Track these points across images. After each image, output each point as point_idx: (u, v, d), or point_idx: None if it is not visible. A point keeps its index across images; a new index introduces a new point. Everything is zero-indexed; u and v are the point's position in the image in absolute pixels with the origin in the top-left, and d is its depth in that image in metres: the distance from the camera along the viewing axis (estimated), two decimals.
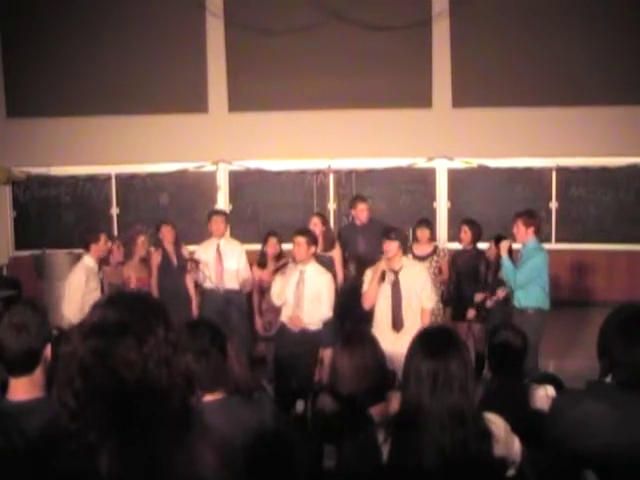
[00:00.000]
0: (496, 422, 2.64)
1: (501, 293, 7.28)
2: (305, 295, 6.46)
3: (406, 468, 2.47)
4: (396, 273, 6.15)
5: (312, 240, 6.56)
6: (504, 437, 2.64)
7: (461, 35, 11.43)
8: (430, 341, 2.63)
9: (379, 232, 7.66)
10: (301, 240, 6.47)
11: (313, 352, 6.58)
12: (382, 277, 6.14)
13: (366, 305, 6.29)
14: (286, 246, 7.52)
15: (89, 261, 6.98)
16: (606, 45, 11.08)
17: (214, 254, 7.84)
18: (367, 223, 8.25)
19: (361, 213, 8.31)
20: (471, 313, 7.46)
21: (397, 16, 11.35)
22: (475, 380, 2.68)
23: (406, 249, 6.42)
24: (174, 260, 8.00)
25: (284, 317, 6.59)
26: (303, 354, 6.38)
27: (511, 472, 2.70)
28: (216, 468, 1.63)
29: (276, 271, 7.48)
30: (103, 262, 7.22)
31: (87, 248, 7.02)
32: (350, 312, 7.46)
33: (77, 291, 6.71)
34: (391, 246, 6.11)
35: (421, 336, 2.71)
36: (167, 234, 8.01)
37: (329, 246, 7.87)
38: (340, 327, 6.91)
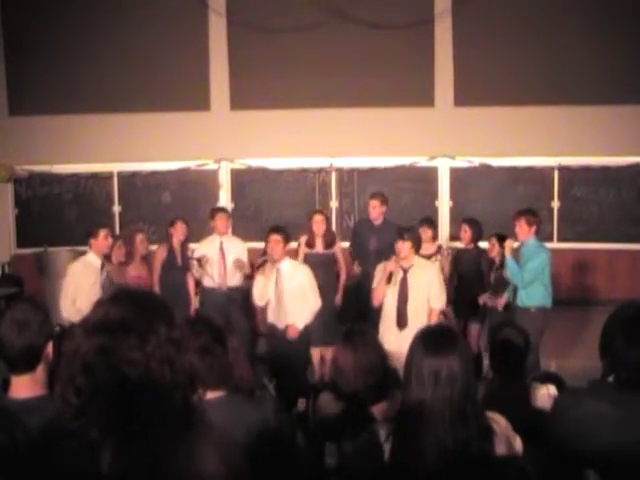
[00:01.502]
0: (498, 421, 2.64)
1: (502, 300, 7.25)
2: (285, 293, 6.50)
3: (408, 467, 2.47)
4: (405, 271, 6.15)
5: (287, 237, 6.60)
6: (506, 436, 2.64)
7: (463, 34, 11.43)
8: (431, 340, 2.63)
9: (391, 234, 7.64)
10: (277, 238, 6.52)
11: (304, 348, 6.64)
12: (389, 279, 6.15)
13: (375, 303, 6.32)
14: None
15: (90, 256, 6.99)
16: (609, 44, 11.08)
17: (217, 251, 7.84)
18: (382, 223, 8.12)
19: (373, 209, 8.22)
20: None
21: (399, 15, 11.35)
22: (475, 379, 2.68)
23: (419, 249, 6.42)
24: (179, 258, 7.98)
25: (270, 317, 6.62)
26: (294, 351, 6.43)
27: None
28: (218, 466, 1.63)
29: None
30: (107, 260, 7.22)
31: (89, 244, 7.05)
32: (353, 310, 7.47)
33: (70, 284, 6.72)
34: (404, 246, 6.12)
35: (422, 335, 2.71)
36: (180, 230, 7.96)
37: (330, 244, 7.87)
38: (341, 325, 6.95)
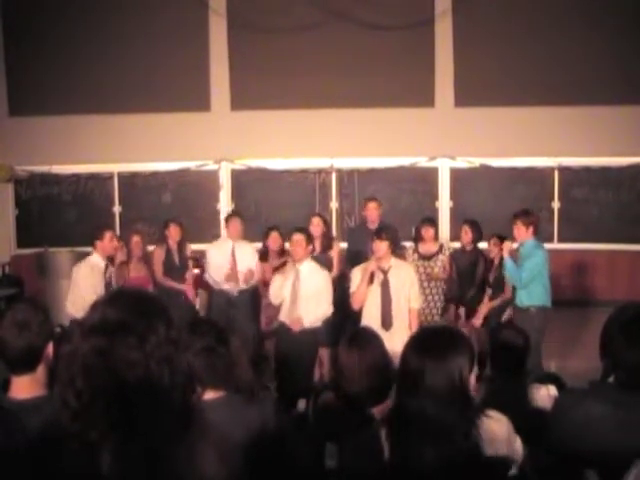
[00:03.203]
0: (500, 420, 2.63)
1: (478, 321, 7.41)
2: (301, 294, 6.47)
3: (407, 467, 2.47)
4: (385, 273, 6.18)
5: (309, 239, 6.61)
6: (507, 436, 2.63)
7: (463, 34, 11.43)
8: (426, 340, 2.63)
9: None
10: (299, 238, 6.50)
11: (312, 350, 6.61)
12: (371, 279, 6.17)
13: (355, 305, 6.34)
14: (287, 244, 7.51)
15: (94, 258, 6.99)
16: (609, 44, 11.08)
17: (229, 256, 7.83)
18: (378, 226, 8.12)
19: (370, 213, 8.24)
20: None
21: (400, 15, 11.36)
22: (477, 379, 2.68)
23: (396, 249, 6.47)
24: (176, 258, 8.03)
25: (282, 316, 6.61)
26: (302, 353, 6.41)
27: (513, 471, 2.70)
28: (217, 467, 1.63)
29: (276, 269, 7.50)
30: (110, 262, 7.22)
31: (94, 245, 7.05)
32: (351, 312, 7.46)
33: (80, 288, 6.71)
34: (381, 246, 6.17)
35: (418, 335, 2.72)
36: (174, 232, 8.03)
37: (327, 246, 7.87)
38: (339, 326, 6.96)
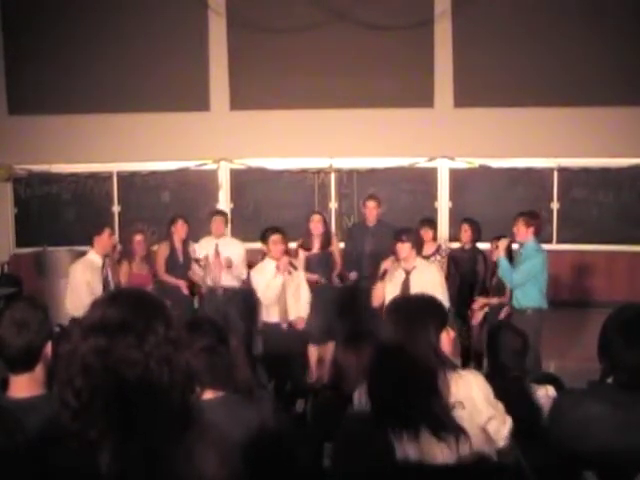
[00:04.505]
0: (474, 372, 2.73)
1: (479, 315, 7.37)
2: (287, 291, 6.62)
3: (407, 465, 2.48)
4: (408, 273, 6.16)
5: (285, 236, 6.75)
6: (484, 388, 2.71)
7: (463, 35, 11.43)
8: (397, 309, 2.72)
9: (387, 235, 7.67)
10: (278, 238, 6.63)
11: (301, 347, 6.69)
12: (383, 276, 6.17)
13: (374, 303, 6.35)
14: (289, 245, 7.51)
15: (92, 256, 6.98)
16: (608, 45, 11.07)
17: (212, 253, 7.86)
18: (376, 225, 8.17)
19: (369, 211, 8.25)
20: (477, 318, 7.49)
21: (399, 16, 11.35)
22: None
23: (420, 249, 6.45)
24: (180, 256, 8.01)
25: (272, 317, 6.69)
26: (292, 351, 6.47)
27: (505, 432, 2.79)
28: (216, 466, 1.63)
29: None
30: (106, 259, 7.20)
31: (91, 243, 7.03)
32: (349, 312, 7.47)
33: (78, 286, 6.71)
34: (403, 248, 6.15)
35: (389, 307, 2.82)
36: (180, 229, 7.99)
37: (327, 244, 7.90)
38: (333, 326, 7.01)
